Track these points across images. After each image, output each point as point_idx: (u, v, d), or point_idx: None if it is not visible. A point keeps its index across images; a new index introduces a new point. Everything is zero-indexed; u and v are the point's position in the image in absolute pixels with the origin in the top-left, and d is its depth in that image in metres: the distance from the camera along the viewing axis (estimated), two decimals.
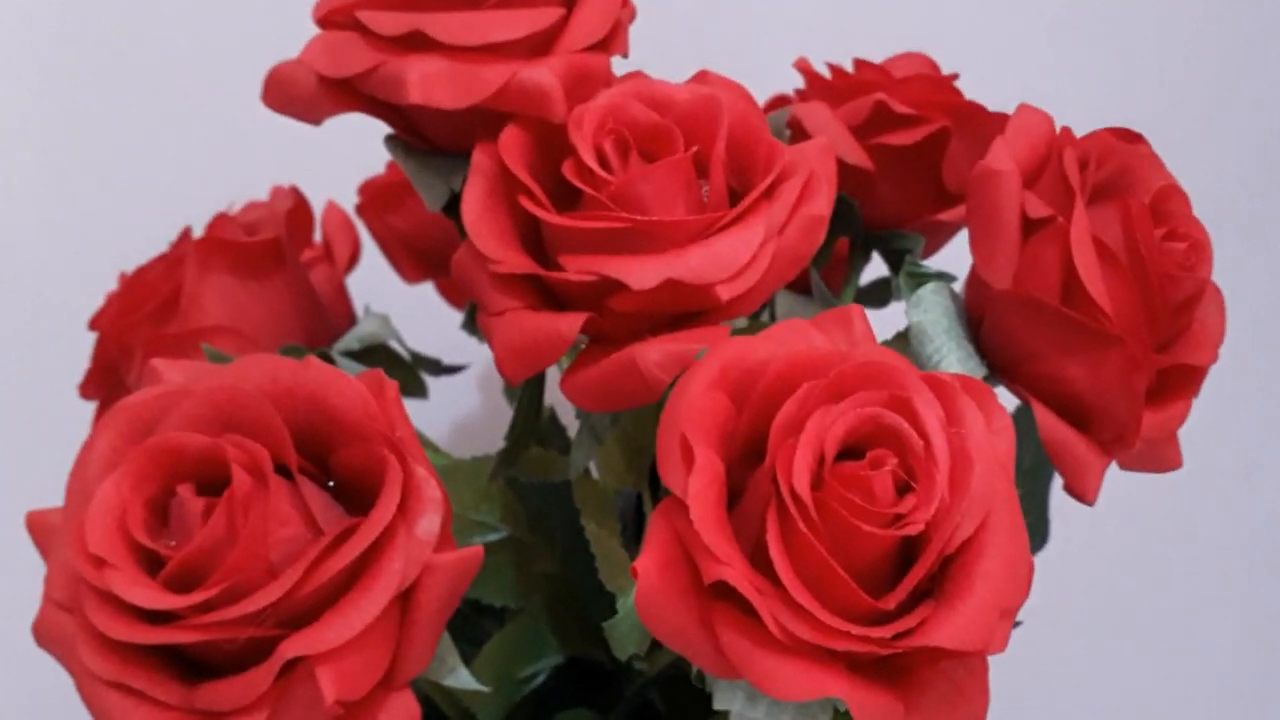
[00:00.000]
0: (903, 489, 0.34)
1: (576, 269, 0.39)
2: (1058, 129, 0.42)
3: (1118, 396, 0.39)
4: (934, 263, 0.49)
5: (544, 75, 0.39)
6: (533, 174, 0.40)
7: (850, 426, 0.34)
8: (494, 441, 0.52)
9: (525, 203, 0.40)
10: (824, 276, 0.51)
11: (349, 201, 0.59)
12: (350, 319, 0.54)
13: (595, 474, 0.50)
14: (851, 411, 0.34)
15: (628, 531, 0.48)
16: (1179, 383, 0.41)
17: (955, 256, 0.50)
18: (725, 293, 0.39)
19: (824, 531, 0.33)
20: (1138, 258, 0.39)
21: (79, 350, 0.52)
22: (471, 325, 0.54)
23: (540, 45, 0.41)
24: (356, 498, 0.37)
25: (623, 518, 0.48)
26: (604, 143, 0.40)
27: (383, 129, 0.45)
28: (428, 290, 0.62)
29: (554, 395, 0.52)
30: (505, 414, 0.54)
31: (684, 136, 0.40)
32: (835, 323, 0.37)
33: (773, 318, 0.51)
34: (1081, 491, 0.40)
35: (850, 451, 0.34)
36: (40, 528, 0.38)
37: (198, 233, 0.52)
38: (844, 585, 0.33)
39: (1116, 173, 0.41)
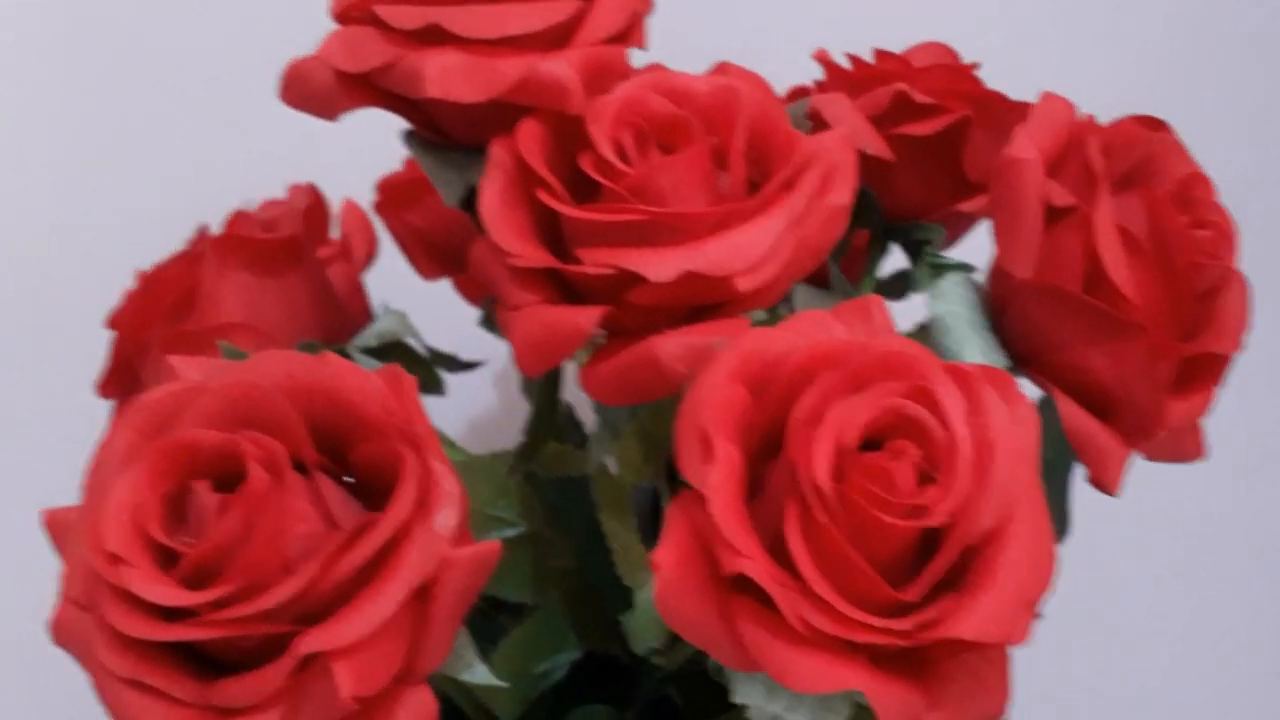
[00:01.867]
0: (924, 480, 0.33)
1: (595, 262, 0.39)
2: (1080, 117, 0.42)
3: (1141, 385, 0.38)
4: (953, 254, 0.48)
5: (562, 68, 0.39)
6: (550, 167, 0.40)
7: (871, 417, 0.34)
8: (510, 437, 0.52)
9: (543, 196, 0.39)
10: (842, 269, 0.50)
11: (365, 198, 0.59)
12: (367, 316, 0.54)
13: (612, 468, 0.50)
14: (872, 402, 0.34)
15: (645, 526, 0.48)
16: (1203, 372, 0.40)
17: (975, 247, 0.50)
18: (744, 284, 0.38)
19: (845, 523, 0.33)
20: (1162, 246, 0.39)
21: (96, 349, 0.52)
22: (489, 322, 0.54)
23: (558, 38, 0.40)
24: (374, 493, 0.37)
25: (639, 512, 0.48)
26: (622, 135, 0.40)
27: (399, 125, 0.44)
28: (442, 287, 0.62)
29: (570, 391, 0.52)
30: (522, 410, 0.54)
31: (703, 128, 0.40)
32: (855, 313, 0.37)
33: (791, 311, 0.50)
34: (1105, 482, 0.40)
35: (871, 442, 0.34)
36: (57, 525, 0.38)
37: (214, 230, 0.52)
38: (865, 577, 0.33)
39: (1140, 161, 0.41)
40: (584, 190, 0.41)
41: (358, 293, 0.53)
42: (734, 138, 0.40)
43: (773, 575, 0.33)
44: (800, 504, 0.33)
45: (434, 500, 0.36)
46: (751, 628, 0.33)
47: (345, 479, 0.38)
